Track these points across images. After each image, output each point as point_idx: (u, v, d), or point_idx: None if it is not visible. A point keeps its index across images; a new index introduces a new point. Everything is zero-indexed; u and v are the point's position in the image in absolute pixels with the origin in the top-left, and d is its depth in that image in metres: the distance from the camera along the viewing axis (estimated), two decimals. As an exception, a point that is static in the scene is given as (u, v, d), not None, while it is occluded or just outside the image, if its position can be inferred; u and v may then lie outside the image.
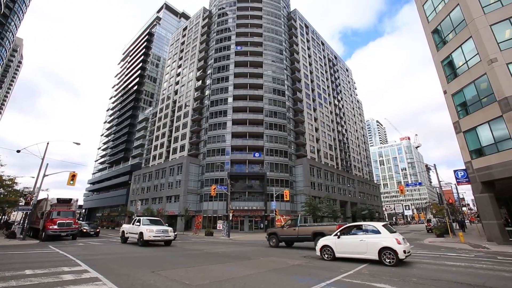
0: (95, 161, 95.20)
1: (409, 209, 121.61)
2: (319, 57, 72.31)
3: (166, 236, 16.83)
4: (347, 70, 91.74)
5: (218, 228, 40.11)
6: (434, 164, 28.59)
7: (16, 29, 62.43)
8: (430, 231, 33.95)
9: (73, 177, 21.08)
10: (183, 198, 45.89)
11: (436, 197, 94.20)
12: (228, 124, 49.48)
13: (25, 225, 23.16)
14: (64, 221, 21.10)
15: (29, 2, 64.08)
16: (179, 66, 66.85)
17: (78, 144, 24.34)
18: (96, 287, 5.88)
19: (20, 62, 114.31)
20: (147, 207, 47.91)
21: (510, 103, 15.87)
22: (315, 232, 15.35)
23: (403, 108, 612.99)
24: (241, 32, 57.38)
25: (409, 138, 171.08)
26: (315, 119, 59.92)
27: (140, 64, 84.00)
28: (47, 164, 23.07)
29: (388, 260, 9.15)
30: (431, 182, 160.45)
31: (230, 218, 30.72)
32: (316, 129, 58.99)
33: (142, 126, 72.35)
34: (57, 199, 23.99)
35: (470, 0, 18.58)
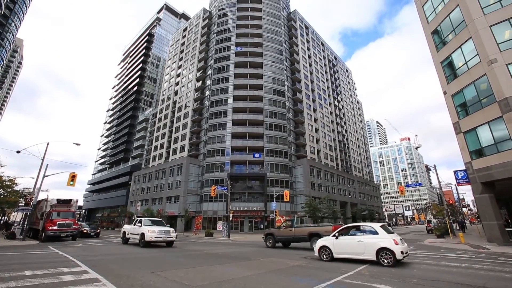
0: (95, 161, 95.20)
1: (409, 209, 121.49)
2: (319, 57, 72.38)
3: (168, 237, 16.64)
4: (347, 71, 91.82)
5: (218, 228, 40.09)
6: (434, 165, 28.58)
7: (17, 30, 62.53)
8: (430, 232, 33.92)
9: (73, 177, 21.08)
10: (183, 198, 45.87)
11: (436, 197, 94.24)
12: (228, 124, 49.49)
13: (25, 225, 23.16)
14: (64, 222, 21.07)
15: (29, 2, 64.18)
16: (179, 67, 66.91)
17: (78, 144, 24.34)
18: (96, 288, 5.87)
19: (20, 63, 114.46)
20: (147, 208, 47.89)
21: (510, 103, 15.88)
22: (310, 232, 15.63)
23: (403, 108, 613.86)
24: (241, 33, 57.46)
25: (409, 139, 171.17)
26: (315, 120, 59.94)
27: (140, 65, 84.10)
28: (47, 164, 23.09)
29: (386, 261, 9.19)
30: (431, 183, 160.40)
31: (230, 219, 30.68)
32: (316, 130, 59.00)
33: (142, 126, 72.38)
34: (57, 199, 23.98)
35: (469, 1, 18.60)
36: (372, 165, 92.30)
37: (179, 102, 60.83)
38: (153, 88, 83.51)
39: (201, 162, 50.26)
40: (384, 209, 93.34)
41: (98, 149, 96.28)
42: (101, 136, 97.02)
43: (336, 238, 10.61)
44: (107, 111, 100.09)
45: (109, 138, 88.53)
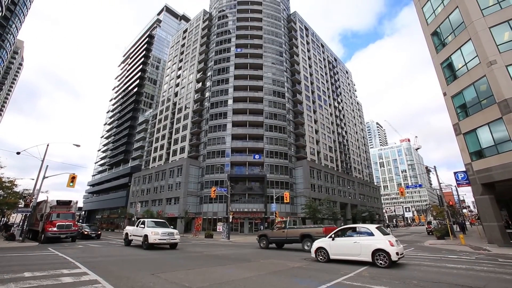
0: (95, 163, 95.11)
1: (409, 211, 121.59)
2: (319, 59, 72.53)
3: (171, 239, 16.33)
4: (346, 72, 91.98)
5: (218, 230, 40.07)
6: (434, 166, 28.59)
7: (17, 32, 62.68)
8: (430, 233, 33.87)
9: (72, 179, 21.07)
10: (183, 200, 45.81)
11: (436, 199, 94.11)
12: (228, 126, 49.51)
13: (25, 227, 23.12)
14: (64, 223, 21.02)
15: (30, 4, 64.37)
16: (179, 68, 67.03)
17: (78, 146, 24.34)
18: (96, 290, 5.86)
19: (21, 64, 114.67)
20: (147, 209, 47.81)
21: (510, 105, 15.90)
22: (302, 234, 16.03)
23: (403, 109, 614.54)
24: (241, 35, 57.62)
25: (409, 140, 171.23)
26: (315, 121, 59.98)
27: (141, 66, 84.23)
28: (47, 166, 23.06)
29: (381, 262, 9.24)
30: (431, 184, 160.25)
31: (230, 220, 30.64)
32: (316, 131, 59.03)
33: (142, 128, 72.40)
34: (57, 201, 23.95)
35: (469, 3, 18.67)
36: (372, 166, 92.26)
37: (179, 104, 60.89)
38: (153, 89, 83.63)
39: (201, 164, 50.23)
40: (384, 211, 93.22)
41: (98, 151, 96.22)
42: (101, 137, 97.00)
43: (333, 239, 10.69)
44: (107, 112, 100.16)
45: (109, 140, 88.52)
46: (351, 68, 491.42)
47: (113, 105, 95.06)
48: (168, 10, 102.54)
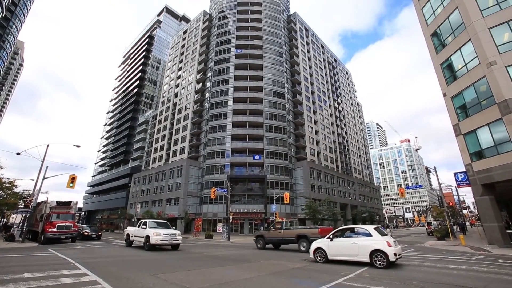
0: (95, 163, 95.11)
1: (409, 211, 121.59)
2: (319, 60, 72.59)
3: (173, 240, 16.17)
4: (346, 73, 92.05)
5: (218, 231, 40.04)
6: (434, 167, 28.58)
7: (18, 32, 62.75)
8: (430, 234, 33.83)
9: (72, 179, 21.07)
10: (183, 200, 45.79)
11: (436, 199, 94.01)
12: (228, 126, 49.52)
13: (24, 227, 23.09)
14: (64, 224, 21.01)
15: (30, 4, 64.48)
16: (180, 69, 67.09)
17: (78, 146, 24.35)
18: (95, 291, 5.85)
19: (21, 65, 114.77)
20: (146, 210, 47.78)
21: (510, 105, 15.90)
22: (298, 234, 16.27)
23: (403, 110, 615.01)
24: (241, 35, 57.68)
25: (409, 141, 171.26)
26: (315, 122, 59.99)
27: (141, 67, 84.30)
28: (47, 166, 23.06)
29: (379, 263, 9.27)
30: (431, 185, 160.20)
31: (230, 221, 30.63)
32: (316, 132, 59.03)
33: (142, 128, 72.41)
34: (57, 201, 23.93)
35: (468, 4, 18.70)
36: (372, 167, 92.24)
37: (179, 104, 60.92)
38: (153, 90, 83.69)
39: (201, 164, 50.22)
40: (384, 211, 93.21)
41: (98, 151, 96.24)
42: (101, 138, 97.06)
43: (331, 240, 10.72)
44: (107, 113, 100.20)
45: (109, 140, 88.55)
46: (351, 68, 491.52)
47: (113, 105, 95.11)
48: (168, 11, 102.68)
